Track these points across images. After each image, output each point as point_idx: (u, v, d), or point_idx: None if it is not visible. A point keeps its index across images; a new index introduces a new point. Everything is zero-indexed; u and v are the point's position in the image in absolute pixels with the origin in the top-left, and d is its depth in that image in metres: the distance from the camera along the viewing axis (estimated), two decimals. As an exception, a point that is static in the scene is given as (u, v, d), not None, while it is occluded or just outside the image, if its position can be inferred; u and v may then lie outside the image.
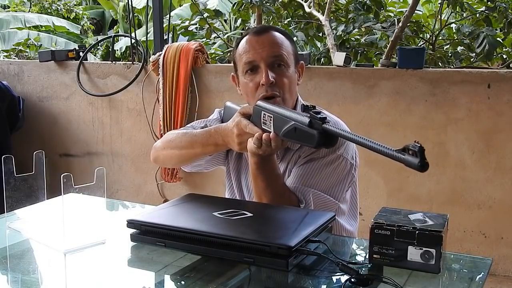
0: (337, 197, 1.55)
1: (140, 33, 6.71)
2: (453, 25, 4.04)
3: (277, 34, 1.57)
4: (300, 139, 1.31)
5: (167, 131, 3.51)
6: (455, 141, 3.04)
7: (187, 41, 4.24)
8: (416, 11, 3.80)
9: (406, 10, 3.58)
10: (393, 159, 1.05)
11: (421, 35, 4.01)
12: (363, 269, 1.14)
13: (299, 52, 2.06)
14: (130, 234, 1.27)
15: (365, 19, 3.71)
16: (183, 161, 1.64)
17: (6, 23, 7.49)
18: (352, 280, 1.06)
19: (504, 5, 3.47)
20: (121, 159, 3.87)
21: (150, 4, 3.95)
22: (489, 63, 3.69)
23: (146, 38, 4.02)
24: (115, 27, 9.87)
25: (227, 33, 5.71)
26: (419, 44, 3.95)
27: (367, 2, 3.86)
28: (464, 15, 3.89)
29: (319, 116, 1.25)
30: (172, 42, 4.03)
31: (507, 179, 2.97)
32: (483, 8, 3.68)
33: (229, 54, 4.47)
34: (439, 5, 3.88)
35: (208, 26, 4.24)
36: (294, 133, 1.30)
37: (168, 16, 4.53)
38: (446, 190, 3.08)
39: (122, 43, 7.53)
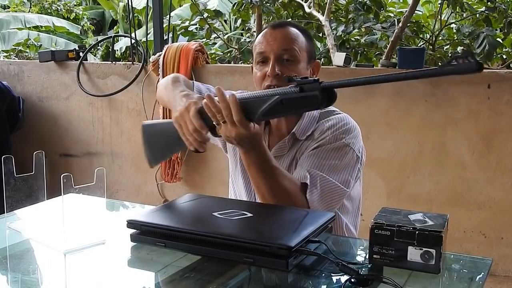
0: (344, 183, 1.52)
1: (140, 33, 6.71)
2: (453, 25, 4.04)
3: (293, 29, 1.59)
4: (293, 109, 1.27)
5: (167, 132, 3.53)
6: (455, 141, 3.04)
7: (187, 41, 4.24)
8: (416, 11, 3.80)
9: (406, 11, 3.58)
10: (441, 75, 1.05)
11: (421, 36, 4.00)
12: (363, 269, 1.14)
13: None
14: (130, 234, 1.26)
15: (365, 19, 3.70)
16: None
17: (6, 24, 7.50)
18: (352, 280, 1.06)
19: (504, 6, 3.47)
20: (121, 159, 3.87)
21: (150, 4, 3.95)
22: (489, 63, 3.68)
23: (146, 38, 4.03)
24: (115, 27, 9.87)
25: (227, 33, 5.72)
26: (419, 45, 3.94)
27: (367, 2, 3.86)
28: (464, 15, 3.89)
29: (309, 78, 1.23)
30: (172, 42, 4.03)
31: (507, 179, 2.97)
32: (483, 8, 3.68)
33: (228, 54, 4.48)
34: (439, 5, 3.87)
35: (208, 26, 4.25)
36: (282, 106, 1.26)
37: (168, 16, 4.53)
38: (446, 191, 3.08)
39: (122, 43, 7.52)
